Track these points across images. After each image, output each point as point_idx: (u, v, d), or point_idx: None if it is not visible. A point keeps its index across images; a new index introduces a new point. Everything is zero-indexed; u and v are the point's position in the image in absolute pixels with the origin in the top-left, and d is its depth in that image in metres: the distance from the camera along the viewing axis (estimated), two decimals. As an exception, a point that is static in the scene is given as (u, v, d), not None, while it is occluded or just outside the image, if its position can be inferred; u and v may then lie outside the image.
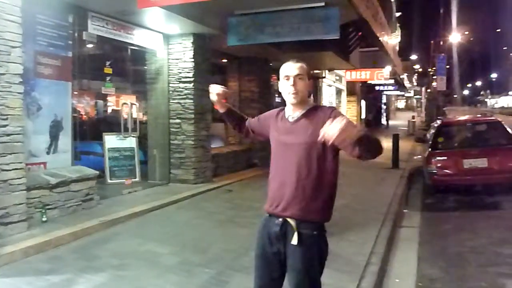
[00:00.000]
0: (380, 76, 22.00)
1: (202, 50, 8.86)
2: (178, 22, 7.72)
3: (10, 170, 4.93)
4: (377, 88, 30.13)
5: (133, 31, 7.81)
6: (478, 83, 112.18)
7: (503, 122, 9.01)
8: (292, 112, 2.45)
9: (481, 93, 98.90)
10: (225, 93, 2.68)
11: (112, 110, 11.49)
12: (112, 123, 9.99)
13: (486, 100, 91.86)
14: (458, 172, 8.11)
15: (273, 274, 2.44)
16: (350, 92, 24.47)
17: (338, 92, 23.12)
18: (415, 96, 62.75)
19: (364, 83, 25.56)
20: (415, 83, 51.82)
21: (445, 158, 8.37)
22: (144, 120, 9.73)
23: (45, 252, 4.80)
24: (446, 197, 8.43)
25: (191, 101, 8.64)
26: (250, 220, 5.96)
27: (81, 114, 10.01)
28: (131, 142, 8.74)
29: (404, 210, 7.53)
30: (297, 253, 2.32)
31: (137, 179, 8.66)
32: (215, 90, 2.66)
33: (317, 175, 2.33)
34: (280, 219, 2.38)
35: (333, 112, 2.34)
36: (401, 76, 31.68)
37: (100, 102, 11.32)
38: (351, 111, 24.39)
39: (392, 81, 28.23)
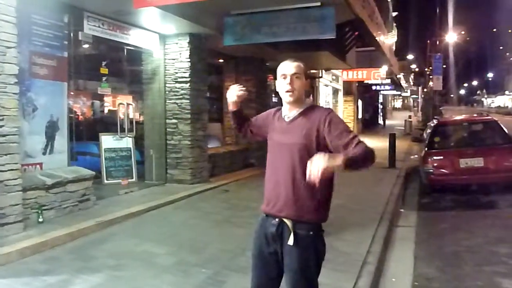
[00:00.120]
0: (377, 76, 22.03)
1: (199, 50, 8.86)
2: (174, 22, 7.71)
3: (5, 171, 4.92)
4: (373, 87, 30.18)
5: (129, 31, 7.80)
6: (475, 83, 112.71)
7: (499, 122, 9.03)
8: (288, 112, 2.45)
9: (478, 92, 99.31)
10: (244, 95, 2.62)
11: (109, 110, 11.44)
12: (109, 124, 9.96)
13: (482, 99, 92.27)
14: (454, 172, 8.13)
15: (270, 274, 2.44)
16: (347, 92, 24.51)
17: (335, 92, 23.15)
18: (411, 96, 62.99)
19: (360, 82, 25.60)
20: (411, 83, 51.95)
21: (442, 157, 8.39)
22: (141, 120, 9.70)
23: (42, 252, 4.79)
24: (443, 197, 8.45)
25: (188, 101, 8.63)
26: (247, 220, 5.97)
27: (77, 115, 9.95)
28: (127, 142, 8.72)
29: (401, 210, 7.55)
30: (294, 253, 2.32)
31: (133, 180, 8.65)
32: (236, 92, 2.60)
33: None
34: (277, 219, 2.38)
35: (328, 116, 2.32)
36: (398, 76, 31.76)
37: (97, 102, 11.27)
38: (348, 111, 24.43)
39: (388, 81, 28.29)
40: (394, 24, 28.14)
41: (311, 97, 16.93)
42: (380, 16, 13.70)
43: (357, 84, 25.61)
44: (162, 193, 7.89)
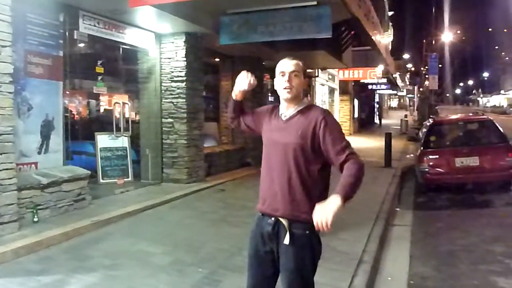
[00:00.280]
0: (373, 75, 22.06)
1: (195, 49, 8.84)
2: (170, 21, 7.69)
3: (0, 170, 4.89)
4: (370, 87, 30.20)
5: (125, 30, 7.77)
6: (470, 82, 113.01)
7: (494, 121, 9.06)
8: (285, 110, 2.44)
9: (473, 92, 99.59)
10: (255, 84, 2.54)
11: (104, 109, 11.41)
12: (104, 123, 9.93)
13: (478, 99, 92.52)
14: (450, 171, 8.15)
15: (266, 273, 2.44)
16: (343, 91, 24.52)
17: (331, 91, 23.17)
18: (407, 95, 63.11)
19: (356, 82, 25.62)
20: (407, 82, 52.04)
21: (437, 156, 8.41)
22: (137, 119, 9.68)
23: (37, 252, 4.77)
24: (438, 196, 8.47)
25: (184, 100, 8.61)
26: (243, 219, 5.97)
27: (73, 114, 9.93)
28: (123, 141, 8.70)
29: (397, 209, 7.56)
30: (290, 252, 2.32)
31: (129, 179, 8.63)
32: (250, 81, 2.51)
33: (307, 175, 2.33)
34: (273, 219, 2.38)
35: (324, 119, 2.32)
36: (394, 75, 31.81)
37: (92, 101, 11.24)
38: (344, 110, 24.45)
39: (384, 80, 28.31)
40: (390, 24, 28.17)
41: (308, 97, 16.94)
42: (376, 16, 13.71)
43: (353, 84, 25.64)
44: (158, 192, 7.88)
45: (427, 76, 32.48)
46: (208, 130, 10.71)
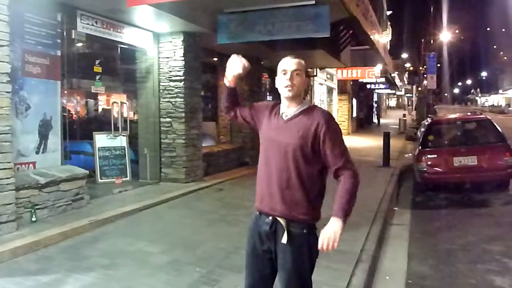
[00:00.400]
0: (371, 75, 22.03)
1: (193, 49, 8.83)
2: (168, 20, 7.68)
3: (-2, 169, 4.89)
4: (368, 86, 30.27)
5: (123, 30, 7.76)
6: (468, 82, 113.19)
7: (492, 120, 9.07)
8: (286, 109, 2.42)
9: (471, 91, 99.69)
10: (249, 68, 2.49)
11: (102, 109, 11.41)
12: (103, 122, 9.93)
13: (476, 98, 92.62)
14: (448, 170, 8.15)
15: (264, 272, 2.44)
16: (341, 91, 24.52)
17: (329, 90, 23.18)
18: (406, 95, 63.10)
19: (355, 81, 25.65)
20: (406, 82, 52.07)
21: (435, 156, 8.41)
22: (135, 119, 9.68)
23: (35, 252, 4.76)
24: (436, 195, 8.49)
25: (182, 99, 8.61)
26: (241, 218, 5.97)
27: (71, 113, 9.91)
28: (121, 141, 8.70)
29: (395, 208, 7.57)
30: (287, 251, 2.32)
31: (127, 178, 8.62)
32: (242, 63, 2.46)
33: (306, 176, 2.33)
34: (270, 218, 2.38)
35: (326, 123, 2.32)
36: (392, 75, 31.84)
37: (90, 101, 11.24)
38: (343, 109, 24.45)
39: (383, 80, 28.34)
40: (389, 23, 28.24)
41: (308, 96, 16.96)
42: (375, 15, 13.73)
43: (351, 83, 25.65)
44: (156, 192, 7.87)
45: (425, 75, 32.47)
46: (206, 130, 10.71)
